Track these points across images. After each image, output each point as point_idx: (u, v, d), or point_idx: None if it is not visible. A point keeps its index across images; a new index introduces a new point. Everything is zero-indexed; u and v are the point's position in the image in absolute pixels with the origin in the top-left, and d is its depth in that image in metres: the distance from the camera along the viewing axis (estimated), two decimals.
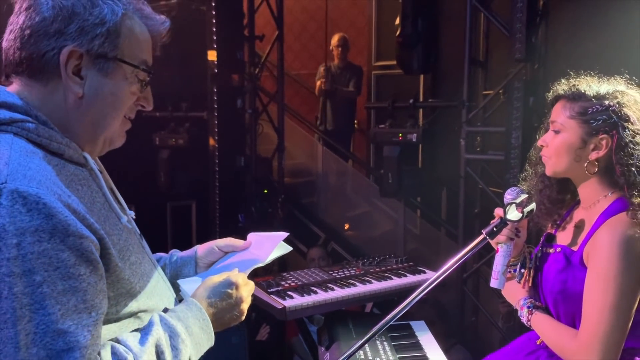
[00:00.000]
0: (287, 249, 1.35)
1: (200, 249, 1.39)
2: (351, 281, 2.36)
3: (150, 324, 1.07)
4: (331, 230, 5.66)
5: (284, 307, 2.12)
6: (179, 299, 1.26)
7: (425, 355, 2.02)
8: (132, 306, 1.07)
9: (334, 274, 2.46)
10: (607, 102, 1.39)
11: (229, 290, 1.17)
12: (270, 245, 1.32)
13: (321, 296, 2.22)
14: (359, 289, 2.30)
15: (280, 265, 5.24)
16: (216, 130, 4.54)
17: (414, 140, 3.88)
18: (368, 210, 5.82)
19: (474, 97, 4.03)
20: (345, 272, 2.49)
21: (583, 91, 1.43)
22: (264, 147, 5.52)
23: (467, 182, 3.90)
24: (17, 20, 1.02)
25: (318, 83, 6.05)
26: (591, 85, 1.44)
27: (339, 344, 2.05)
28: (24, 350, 0.86)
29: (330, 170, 6.06)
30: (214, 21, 4.38)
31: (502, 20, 3.65)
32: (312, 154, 6.27)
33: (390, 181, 3.96)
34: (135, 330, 1.07)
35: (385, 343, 2.07)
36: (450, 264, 1.31)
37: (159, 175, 4.62)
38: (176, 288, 1.30)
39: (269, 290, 2.26)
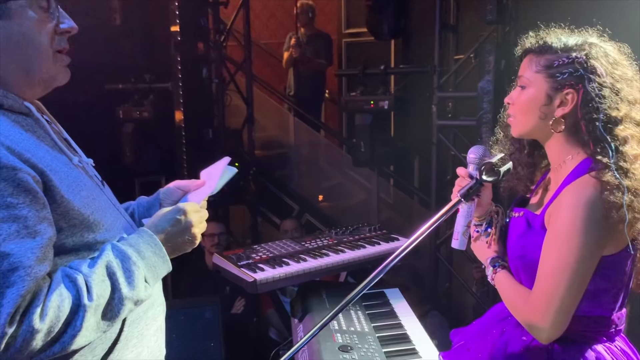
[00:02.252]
0: (233, 171, 1.41)
1: (163, 189, 1.46)
2: (324, 251, 2.32)
3: (101, 251, 1.12)
4: (305, 202, 5.61)
5: (255, 279, 2.06)
6: None
7: (400, 323, 2.00)
8: (89, 238, 1.12)
9: (306, 245, 2.41)
10: (574, 55, 1.32)
11: (178, 216, 1.22)
12: (216, 174, 1.38)
13: (293, 267, 2.17)
14: (332, 258, 2.25)
15: (254, 238, 5.19)
16: (182, 101, 4.38)
17: (386, 107, 3.82)
18: (341, 180, 5.78)
19: (446, 62, 3.97)
20: (318, 243, 2.44)
21: (550, 44, 1.35)
22: (233, 120, 5.39)
23: (439, 149, 3.87)
24: None
25: (286, 54, 5.89)
26: (560, 38, 1.36)
27: (313, 315, 2.01)
28: None
29: (303, 142, 5.97)
30: None
31: None
32: (284, 125, 6.16)
33: (362, 150, 3.90)
34: (91, 259, 1.12)
35: (359, 312, 2.04)
36: (424, 229, 1.25)
37: (124, 151, 4.45)
38: None
39: (239, 263, 2.20)
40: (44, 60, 1.10)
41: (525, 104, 1.37)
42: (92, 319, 1.04)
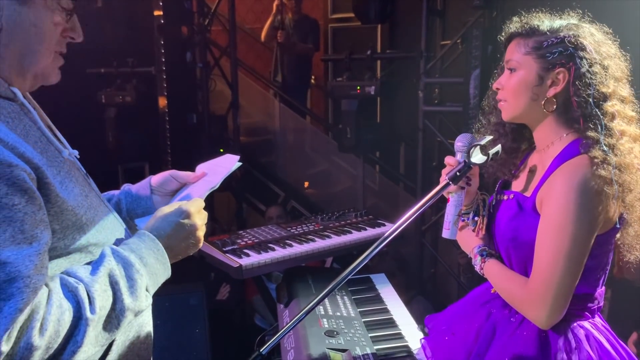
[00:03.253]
0: (236, 165, 1.34)
1: (155, 178, 1.35)
2: (310, 237, 2.30)
3: (101, 256, 1.03)
4: (290, 189, 5.58)
5: (240, 265, 2.04)
6: None
7: (386, 308, 1.99)
8: (81, 240, 1.03)
9: (292, 230, 2.39)
10: (562, 34, 1.34)
11: (181, 220, 1.13)
12: (223, 170, 1.31)
13: (279, 253, 2.15)
14: (318, 244, 2.24)
15: (239, 224, 5.16)
16: (165, 86, 4.31)
17: (372, 93, 3.79)
18: (327, 167, 5.76)
19: (432, 48, 3.95)
20: (304, 228, 2.43)
21: (537, 26, 1.37)
22: (218, 105, 5.32)
23: (425, 135, 3.86)
24: None
25: (268, 21, 5.76)
26: (544, 21, 1.39)
27: (298, 300, 1.99)
28: None
29: (288, 128, 5.93)
30: None
31: None
32: (269, 111, 6.11)
33: (348, 136, 3.88)
34: (87, 263, 1.04)
35: (345, 297, 2.03)
36: (410, 214, 1.24)
37: (106, 136, 4.38)
38: (133, 228, 1.26)
39: (224, 249, 2.18)
40: (44, 57, 1.05)
41: (516, 87, 1.37)
42: (92, 332, 0.96)
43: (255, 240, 2.28)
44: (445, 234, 1.46)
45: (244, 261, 2.06)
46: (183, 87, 4.63)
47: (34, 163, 0.94)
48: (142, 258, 1.06)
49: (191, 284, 3.33)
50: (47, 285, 0.94)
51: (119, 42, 4.26)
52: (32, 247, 0.90)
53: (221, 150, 5.14)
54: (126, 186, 1.39)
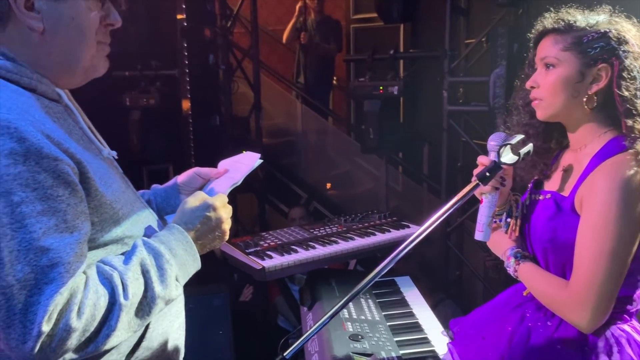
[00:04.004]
0: (258, 162, 1.39)
1: (180, 177, 1.41)
2: (333, 238, 2.28)
3: (134, 247, 1.08)
4: (313, 190, 5.56)
5: (263, 267, 2.02)
6: None
7: (411, 312, 1.95)
8: (117, 232, 1.09)
9: (315, 232, 2.37)
10: (602, 29, 1.29)
11: (207, 213, 1.18)
12: (245, 167, 1.36)
13: (302, 255, 2.13)
14: (342, 246, 2.22)
15: (262, 226, 5.16)
16: (188, 88, 4.33)
17: (396, 93, 3.74)
18: (349, 168, 5.72)
19: (456, 46, 3.89)
20: (327, 230, 2.40)
21: (574, 21, 1.32)
22: (240, 107, 5.33)
23: (449, 135, 3.80)
24: None
25: (292, 22, 5.74)
26: (577, 16, 1.34)
27: (322, 303, 1.97)
28: (8, 266, 0.89)
29: (310, 129, 5.91)
30: None
31: None
32: (291, 113, 6.10)
33: (371, 137, 3.83)
34: (122, 254, 1.09)
35: (369, 300, 2.00)
36: (438, 215, 1.21)
37: (131, 138, 4.42)
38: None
39: (247, 250, 2.17)
40: (89, 48, 1.08)
41: (554, 84, 1.32)
42: (125, 317, 1.01)
43: (278, 242, 2.26)
44: (479, 236, 1.42)
45: (267, 263, 2.04)
46: (206, 90, 4.65)
47: (77, 158, 0.99)
48: (172, 249, 1.10)
49: (215, 285, 3.33)
50: (85, 272, 0.99)
51: (143, 45, 4.30)
52: (73, 236, 0.95)
53: (243, 151, 5.15)
54: (155, 186, 1.46)
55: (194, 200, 1.20)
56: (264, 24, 6.47)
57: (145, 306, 1.04)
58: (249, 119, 5.17)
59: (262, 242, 2.26)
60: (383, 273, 1.23)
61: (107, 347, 1.00)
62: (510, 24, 3.36)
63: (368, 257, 2.42)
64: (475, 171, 1.37)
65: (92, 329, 0.96)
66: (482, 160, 1.36)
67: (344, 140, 5.91)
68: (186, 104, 4.49)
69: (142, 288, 1.04)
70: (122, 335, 1.01)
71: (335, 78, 6.41)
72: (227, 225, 1.21)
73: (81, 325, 0.94)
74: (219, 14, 4.67)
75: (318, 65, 5.84)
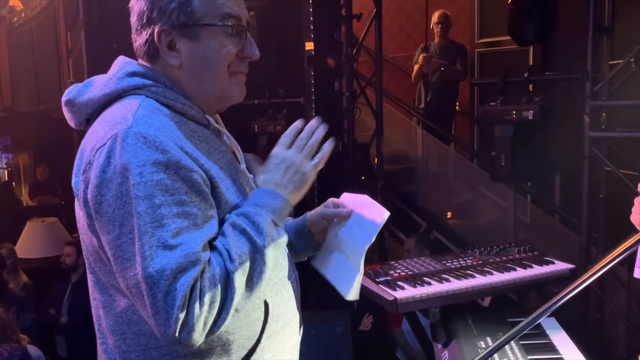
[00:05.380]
0: (385, 217, 1.29)
1: (309, 215, 1.44)
2: (469, 272, 2.14)
3: (225, 224, 1.13)
4: (433, 219, 5.39)
5: (395, 298, 1.94)
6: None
7: (562, 358, 1.76)
8: None
9: (447, 264, 2.25)
10: None
11: (276, 162, 1.22)
12: (372, 225, 1.28)
13: (436, 288, 2.02)
14: (479, 280, 2.07)
15: (381, 254, 5.07)
16: (313, 115, 4.42)
17: (530, 117, 3.52)
18: (472, 197, 5.47)
19: (599, 68, 3.58)
20: (461, 262, 2.27)
21: None
22: (360, 134, 5.35)
23: (592, 164, 3.49)
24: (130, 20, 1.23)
25: (416, 67, 5.73)
26: None
27: (459, 341, 1.84)
28: (149, 259, 1.01)
29: (431, 156, 5.76)
30: (310, 1, 4.25)
31: None
32: (411, 139, 6.00)
33: (503, 164, 3.62)
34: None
35: (512, 343, 1.83)
36: (607, 259, 1.07)
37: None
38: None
39: (377, 279, 2.10)
40: (220, 82, 1.21)
41: None
42: (240, 279, 1.07)
43: (409, 273, 2.17)
44: (638, 273, 1.27)
45: (399, 294, 1.96)
46: (330, 116, 4.72)
47: (210, 174, 1.12)
48: (257, 204, 1.16)
49: (336, 312, 3.31)
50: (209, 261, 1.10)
51: (271, 74, 4.48)
52: (202, 233, 1.07)
53: (362, 177, 5.14)
54: (288, 220, 1.46)
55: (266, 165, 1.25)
56: (385, 51, 6.47)
57: (259, 259, 1.10)
58: (368, 145, 5.16)
59: (391, 272, 2.18)
60: (541, 320, 1.12)
61: (233, 310, 1.07)
62: None
63: (500, 295, 2.25)
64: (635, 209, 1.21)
65: (218, 298, 1.05)
66: None
67: (467, 167, 5.68)
68: None
69: (247, 245, 1.10)
70: (239, 298, 1.08)
71: (457, 104, 6.23)
72: (303, 165, 1.22)
73: (208, 300, 1.03)
74: (345, 42, 4.75)
75: (441, 91, 5.70)
